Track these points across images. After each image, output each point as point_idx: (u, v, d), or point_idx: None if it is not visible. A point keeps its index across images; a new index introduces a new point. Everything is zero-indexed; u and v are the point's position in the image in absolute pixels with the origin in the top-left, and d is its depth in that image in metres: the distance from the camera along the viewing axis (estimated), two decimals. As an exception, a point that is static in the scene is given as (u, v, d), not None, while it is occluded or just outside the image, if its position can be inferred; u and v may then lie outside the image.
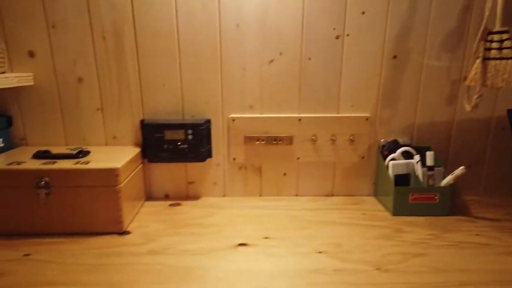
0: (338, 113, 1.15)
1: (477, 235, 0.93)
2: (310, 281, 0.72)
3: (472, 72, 0.98)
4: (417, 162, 1.08)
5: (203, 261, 0.79)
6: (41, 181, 0.88)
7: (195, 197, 1.18)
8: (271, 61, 1.10)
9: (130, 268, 0.76)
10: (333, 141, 1.15)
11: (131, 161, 1.00)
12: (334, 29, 1.09)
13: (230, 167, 1.17)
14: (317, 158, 1.17)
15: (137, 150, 1.08)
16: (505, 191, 1.19)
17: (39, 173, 0.88)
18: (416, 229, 0.95)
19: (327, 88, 1.13)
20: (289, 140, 1.15)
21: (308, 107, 1.14)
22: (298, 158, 1.17)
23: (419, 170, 1.07)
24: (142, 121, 1.11)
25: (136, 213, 1.04)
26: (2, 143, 1.05)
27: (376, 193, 1.20)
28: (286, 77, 1.12)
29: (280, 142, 1.15)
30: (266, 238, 0.90)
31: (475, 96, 0.99)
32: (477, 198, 1.17)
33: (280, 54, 1.10)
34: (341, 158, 1.17)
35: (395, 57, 1.11)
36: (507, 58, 0.93)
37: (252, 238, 0.90)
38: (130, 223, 0.98)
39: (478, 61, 0.97)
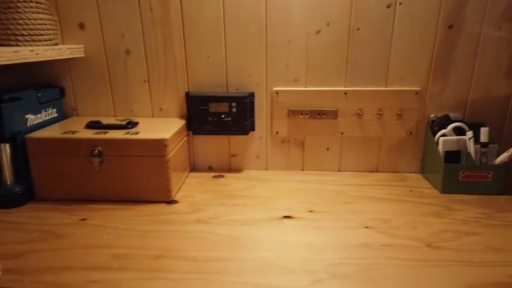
0: (386, 87, 1.11)
1: (534, 216, 0.89)
2: (358, 255, 0.72)
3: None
4: (470, 139, 1.03)
5: (250, 231, 0.81)
6: (95, 150, 0.91)
7: (237, 169, 1.19)
8: (318, 32, 1.07)
9: (179, 235, 0.79)
10: (379, 115, 1.12)
11: (177, 133, 1.02)
12: (386, -3, 1.03)
13: (272, 140, 1.17)
14: (362, 133, 1.14)
15: (182, 122, 1.10)
16: None
17: (93, 142, 0.91)
18: (467, 208, 0.92)
19: (375, 60, 1.09)
20: (333, 114, 1.13)
21: (355, 80, 1.11)
22: (342, 133, 1.14)
23: (471, 147, 1.02)
24: (187, 93, 1.12)
25: (182, 183, 1.07)
26: (56, 113, 1.10)
27: (423, 170, 1.16)
28: (333, 49, 1.08)
29: (324, 116, 1.13)
30: (311, 211, 0.90)
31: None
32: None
33: (328, 24, 1.06)
34: (388, 134, 1.14)
35: (450, 27, 1.05)
36: None
37: (296, 211, 0.90)
38: (177, 192, 1.01)
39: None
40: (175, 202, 0.95)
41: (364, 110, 1.12)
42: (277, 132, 1.16)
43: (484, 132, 1.01)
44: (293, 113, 1.14)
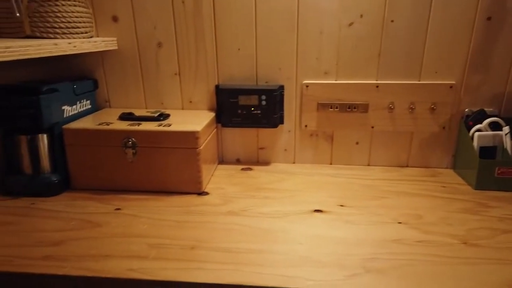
0: (419, 80, 1.08)
1: None
2: (391, 251, 0.71)
3: None
4: (506, 134, 1.00)
5: (281, 224, 0.81)
6: (129, 141, 0.93)
7: (265, 162, 1.19)
8: (351, 24, 1.06)
9: (211, 226, 0.80)
10: (412, 109, 1.10)
11: (208, 125, 1.03)
12: (423, -12, 1.01)
13: (301, 134, 1.17)
14: (393, 127, 1.12)
15: (212, 114, 1.11)
16: None
17: (127, 134, 0.93)
18: (503, 205, 0.90)
19: (409, 53, 1.06)
20: (364, 108, 1.11)
21: (387, 73, 1.09)
22: (372, 127, 1.13)
23: (508, 143, 0.99)
24: (217, 86, 1.13)
25: (212, 175, 1.08)
26: (90, 104, 1.12)
27: (455, 166, 1.13)
28: (366, 41, 1.06)
29: (355, 109, 1.12)
30: (342, 206, 0.90)
31: None
32: None
33: (361, 16, 1.05)
34: (420, 128, 1.11)
35: (489, 18, 1.01)
36: None
37: (327, 205, 0.90)
38: (207, 184, 1.02)
39: None
40: (206, 193, 0.96)
41: (395, 103, 1.10)
42: (306, 126, 1.15)
43: (522, 128, 0.98)
44: (322, 106, 1.13)
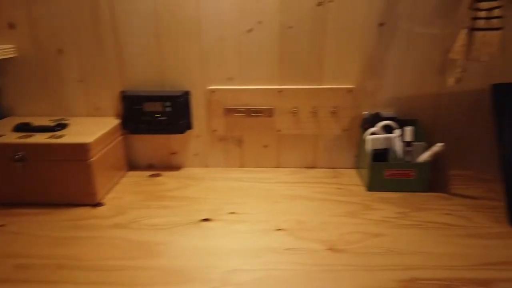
0: (320, 85, 1.11)
1: (448, 214, 0.91)
2: (261, 261, 0.74)
3: (456, 44, 0.91)
4: (397, 137, 1.05)
5: (165, 236, 0.82)
6: (17, 155, 0.92)
7: (178, 167, 1.20)
8: (250, 30, 1.07)
9: (92, 242, 0.81)
10: (314, 113, 1.13)
11: (108, 134, 1.02)
12: (316, -5, 1.03)
13: (210, 138, 1.18)
14: (298, 131, 1.15)
15: (116, 122, 1.10)
16: (494, 166, 1.14)
17: (15, 147, 0.92)
18: (387, 207, 0.94)
19: (309, 58, 1.09)
20: (269, 112, 1.14)
21: (289, 78, 1.11)
22: (278, 131, 1.16)
23: (398, 145, 1.04)
24: (121, 93, 1.12)
25: (115, 184, 1.08)
26: (-10, 114, 1.09)
27: (357, 167, 1.18)
28: (266, 47, 1.08)
29: (260, 114, 1.14)
30: (232, 213, 0.92)
31: (458, 70, 0.93)
32: (463, 172, 1.14)
33: (260, 23, 1.06)
34: (323, 131, 1.15)
35: (382, 24, 1.05)
36: (496, 29, 0.86)
37: (218, 213, 0.92)
38: (106, 194, 1.02)
39: (463, 31, 0.90)
40: (101, 204, 0.96)
41: (299, 108, 1.13)
42: (214, 130, 1.17)
43: (408, 131, 1.03)
44: (229, 111, 1.14)
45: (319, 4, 1.03)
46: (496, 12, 0.86)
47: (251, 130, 1.16)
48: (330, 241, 0.80)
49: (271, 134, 1.17)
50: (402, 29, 1.05)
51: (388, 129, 1.07)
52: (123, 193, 1.03)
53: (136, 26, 1.06)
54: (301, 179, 1.11)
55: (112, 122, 1.09)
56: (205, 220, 0.89)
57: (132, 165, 1.20)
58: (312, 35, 1.06)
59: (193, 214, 0.91)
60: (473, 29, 0.88)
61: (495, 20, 0.86)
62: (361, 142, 1.11)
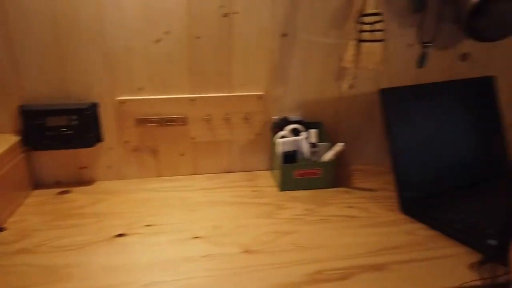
0: (231, 93, 1.15)
1: (350, 207, 1.01)
2: (179, 271, 0.76)
3: (347, 54, 1.01)
4: (304, 139, 1.13)
5: (74, 257, 0.79)
6: None
7: (89, 181, 1.15)
8: (158, 40, 1.06)
9: (-4, 270, 0.75)
10: (227, 120, 1.17)
11: (5, 153, 0.95)
12: (221, 6, 1.06)
13: (123, 150, 1.15)
14: (213, 137, 1.18)
15: (14, 139, 1.02)
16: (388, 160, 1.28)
17: None
18: (297, 205, 1.01)
19: (218, 67, 1.12)
20: (183, 121, 1.15)
21: (201, 87, 1.13)
22: (193, 138, 1.17)
23: (305, 147, 1.12)
24: (20, 107, 1.04)
25: (18, 205, 1.00)
26: None
27: (271, 169, 1.24)
28: (175, 57, 1.09)
29: (174, 123, 1.14)
30: (149, 225, 0.92)
31: (350, 77, 1.03)
32: (363, 167, 1.26)
33: (167, 33, 1.06)
34: (237, 136, 1.19)
35: (284, 35, 1.12)
36: (378, 41, 0.97)
37: (133, 227, 0.91)
38: (8, 217, 0.94)
39: (352, 43, 1.00)
40: (2, 230, 0.89)
41: (212, 115, 1.16)
42: (127, 142, 1.14)
43: (312, 134, 1.12)
44: (141, 121, 1.13)
45: (225, 15, 1.07)
46: (378, 26, 0.97)
47: (166, 139, 1.16)
48: (246, 243, 0.84)
49: (186, 142, 1.18)
50: (303, 39, 1.13)
51: (296, 132, 1.15)
52: (28, 214, 0.96)
53: (33, 36, 1.00)
54: (218, 184, 1.14)
55: (10, 139, 1.02)
56: (120, 235, 0.87)
57: (38, 184, 1.12)
58: (219, 45, 1.10)
59: (107, 230, 0.89)
60: (360, 41, 0.99)
61: (378, 33, 0.97)
62: (272, 145, 1.17)
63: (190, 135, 1.16)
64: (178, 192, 1.09)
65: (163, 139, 1.15)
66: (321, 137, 1.15)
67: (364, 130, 1.26)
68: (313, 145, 1.11)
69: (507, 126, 1.18)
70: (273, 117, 1.19)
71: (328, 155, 1.10)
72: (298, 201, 1.03)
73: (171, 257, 0.80)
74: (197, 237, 0.87)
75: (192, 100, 1.13)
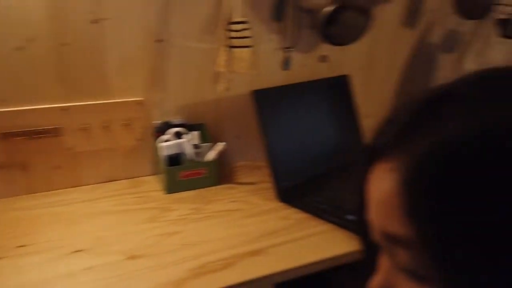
0: (109, 99, 1.13)
1: (233, 201, 1.08)
2: None
3: (219, 59, 1.08)
4: (187, 141, 1.16)
5: None
6: None
7: None
8: (20, 48, 0.99)
9: None
10: (107, 127, 1.14)
11: None
12: (90, 12, 1.04)
13: (-13, 168, 1.05)
14: (93, 147, 1.14)
15: None
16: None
17: None
18: (183, 205, 1.05)
19: (92, 74, 1.09)
20: (56, 132, 1.09)
21: (74, 95, 1.09)
22: (70, 149, 1.12)
23: (188, 148, 1.16)
24: None
25: None
26: None
27: (157, 172, 1.25)
28: (41, 65, 1.03)
29: (46, 135, 1.08)
30: (22, 246, 0.86)
31: (224, 80, 1.10)
32: (245, 163, 1.35)
33: (30, 40, 1.00)
34: (118, 144, 1.17)
35: (159, 41, 1.14)
36: (246, 47, 1.06)
37: (3, 251, 0.84)
38: None
39: (223, 48, 1.07)
40: None
41: (90, 124, 1.12)
42: (-9, 159, 1.04)
43: (195, 135, 1.16)
44: (6, 136, 1.04)
45: (94, 21, 1.05)
46: (246, 33, 1.06)
47: (37, 152, 1.08)
48: (130, 249, 0.85)
49: (62, 154, 1.12)
50: (178, 45, 1.16)
51: (178, 135, 1.18)
52: None
53: None
54: (101, 194, 1.11)
55: None
56: (-12, 261, 0.80)
57: None
58: (92, 52, 1.07)
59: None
60: (231, 47, 1.07)
61: (246, 40, 1.06)
62: (156, 149, 1.18)
63: (66, 146, 1.11)
64: (55, 207, 1.04)
65: (34, 153, 1.08)
66: (204, 138, 1.21)
67: (244, 128, 1.35)
68: (196, 146, 1.16)
69: (362, 117, 1.38)
70: (154, 122, 1.20)
71: (211, 155, 1.16)
72: (184, 202, 1.07)
73: (47, 276, 0.76)
74: (78, 251, 0.84)
75: (65, 109, 1.08)
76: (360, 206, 0.39)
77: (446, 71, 1.49)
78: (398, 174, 0.31)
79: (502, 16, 1.31)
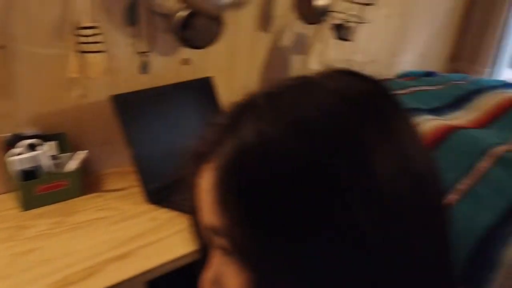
0: None
1: (101, 209, 1.06)
2: None
3: (71, 64, 1.05)
4: (43, 153, 1.10)
5: None
6: None
7: None
8: None
9: None
10: None
11: None
12: None
13: None
14: None
15: None
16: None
17: None
18: (42, 221, 0.99)
19: None
20: None
21: None
22: None
23: (45, 160, 1.10)
24: None
25: None
26: None
27: (11, 189, 1.15)
28: None
29: None
30: None
31: (79, 86, 1.07)
32: (114, 170, 1.32)
33: None
34: (-42, 163, 1.05)
35: (2, 47, 1.05)
36: (97, 52, 1.05)
37: None
38: None
39: (74, 54, 1.04)
40: None
41: None
42: None
43: (52, 146, 1.11)
44: None
45: None
46: (97, 38, 1.05)
47: None
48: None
49: None
50: (25, 51, 1.09)
51: (32, 147, 1.11)
52: None
53: None
54: None
55: None
56: None
57: None
58: None
59: None
60: (83, 52, 1.04)
61: (98, 45, 1.05)
62: (6, 165, 1.09)
63: None
64: None
65: None
66: (63, 148, 1.15)
67: (109, 135, 1.32)
68: (54, 157, 1.10)
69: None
70: (2, 135, 1.10)
71: (72, 165, 1.12)
72: (44, 217, 1.02)
73: None
74: None
75: None
76: (193, 209, 0.44)
77: (297, 71, 1.68)
78: (215, 172, 0.38)
79: (336, 22, 1.53)
